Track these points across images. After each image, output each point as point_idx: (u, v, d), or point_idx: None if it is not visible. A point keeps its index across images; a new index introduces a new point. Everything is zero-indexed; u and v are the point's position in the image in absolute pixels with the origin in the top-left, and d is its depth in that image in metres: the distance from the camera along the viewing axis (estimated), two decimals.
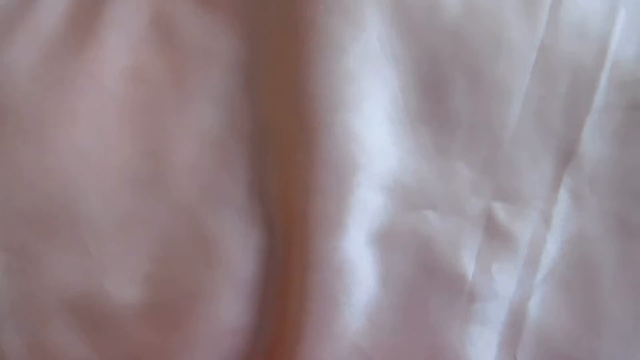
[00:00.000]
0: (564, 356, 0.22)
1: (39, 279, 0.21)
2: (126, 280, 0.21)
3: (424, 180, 0.21)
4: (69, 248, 0.21)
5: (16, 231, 0.21)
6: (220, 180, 0.21)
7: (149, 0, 0.21)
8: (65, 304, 0.21)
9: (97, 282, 0.21)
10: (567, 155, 0.21)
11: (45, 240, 0.21)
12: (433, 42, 0.20)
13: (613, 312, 0.22)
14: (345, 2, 0.19)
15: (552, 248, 0.21)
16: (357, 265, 0.21)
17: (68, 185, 0.21)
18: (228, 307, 0.21)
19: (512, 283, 0.21)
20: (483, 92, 0.20)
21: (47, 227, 0.21)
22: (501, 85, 0.20)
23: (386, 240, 0.21)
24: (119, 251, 0.21)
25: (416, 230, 0.21)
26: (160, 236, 0.21)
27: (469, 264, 0.21)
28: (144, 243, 0.21)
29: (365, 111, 0.20)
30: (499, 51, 0.20)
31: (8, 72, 0.21)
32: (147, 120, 0.21)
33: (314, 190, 0.20)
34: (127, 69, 0.21)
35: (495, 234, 0.21)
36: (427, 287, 0.21)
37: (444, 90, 0.20)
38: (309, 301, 0.21)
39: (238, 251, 0.21)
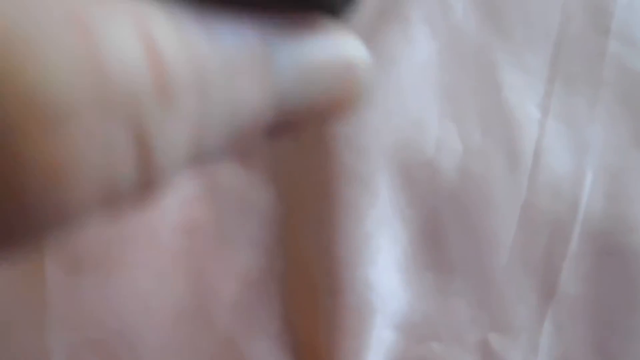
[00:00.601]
0: None
1: None
2: None
3: (430, 317, 0.25)
4: None
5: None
6: (258, 315, 0.25)
7: None
8: None
9: None
10: (549, 294, 0.25)
11: None
12: (434, 203, 0.25)
13: None
14: (364, 176, 0.24)
15: None
16: None
17: (129, 322, 0.25)
18: None
19: None
20: (476, 243, 0.25)
21: (110, 357, 0.25)
22: (491, 237, 0.25)
23: None
24: None
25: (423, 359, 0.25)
26: None
27: None
28: None
29: (380, 264, 0.24)
30: (489, 209, 0.25)
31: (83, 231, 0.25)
32: (197, 266, 0.25)
33: (338, 330, 0.24)
34: (180, 224, 0.25)
35: None
36: None
37: (444, 242, 0.25)
38: None
39: None
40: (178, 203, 0.25)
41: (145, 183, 0.07)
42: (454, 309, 0.25)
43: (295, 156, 0.25)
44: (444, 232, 0.24)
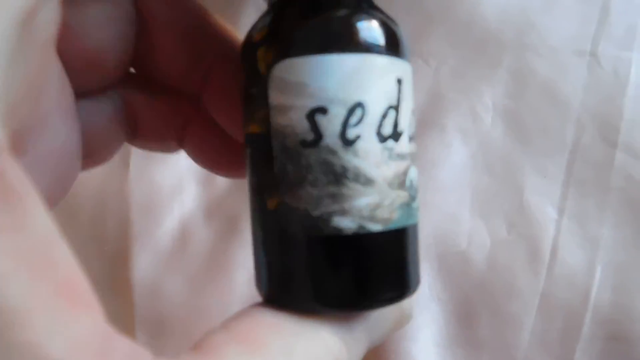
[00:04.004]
0: None
1: None
2: None
3: None
4: None
5: None
6: None
7: None
8: None
9: None
10: None
11: None
12: (466, 289, 0.29)
13: None
14: None
15: None
16: None
17: None
18: None
19: None
20: (501, 325, 0.29)
21: None
22: (514, 320, 0.29)
23: None
24: None
25: None
26: None
27: None
28: None
29: (420, 340, 0.28)
30: (512, 296, 0.29)
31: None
32: None
33: None
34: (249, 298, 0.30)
35: None
36: None
37: (474, 323, 0.29)
38: None
39: None
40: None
41: None
42: None
43: None
44: (474, 315, 0.29)
